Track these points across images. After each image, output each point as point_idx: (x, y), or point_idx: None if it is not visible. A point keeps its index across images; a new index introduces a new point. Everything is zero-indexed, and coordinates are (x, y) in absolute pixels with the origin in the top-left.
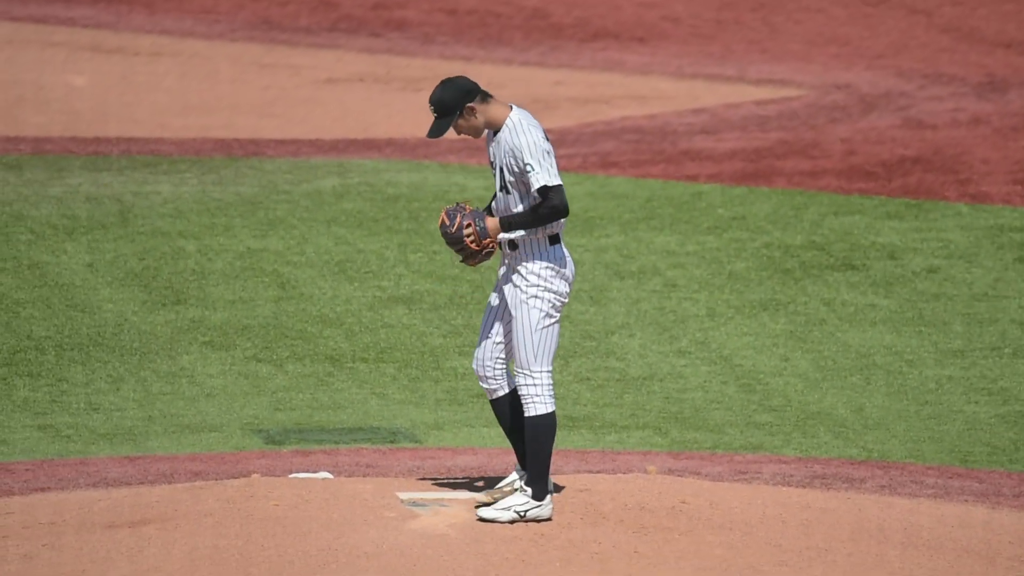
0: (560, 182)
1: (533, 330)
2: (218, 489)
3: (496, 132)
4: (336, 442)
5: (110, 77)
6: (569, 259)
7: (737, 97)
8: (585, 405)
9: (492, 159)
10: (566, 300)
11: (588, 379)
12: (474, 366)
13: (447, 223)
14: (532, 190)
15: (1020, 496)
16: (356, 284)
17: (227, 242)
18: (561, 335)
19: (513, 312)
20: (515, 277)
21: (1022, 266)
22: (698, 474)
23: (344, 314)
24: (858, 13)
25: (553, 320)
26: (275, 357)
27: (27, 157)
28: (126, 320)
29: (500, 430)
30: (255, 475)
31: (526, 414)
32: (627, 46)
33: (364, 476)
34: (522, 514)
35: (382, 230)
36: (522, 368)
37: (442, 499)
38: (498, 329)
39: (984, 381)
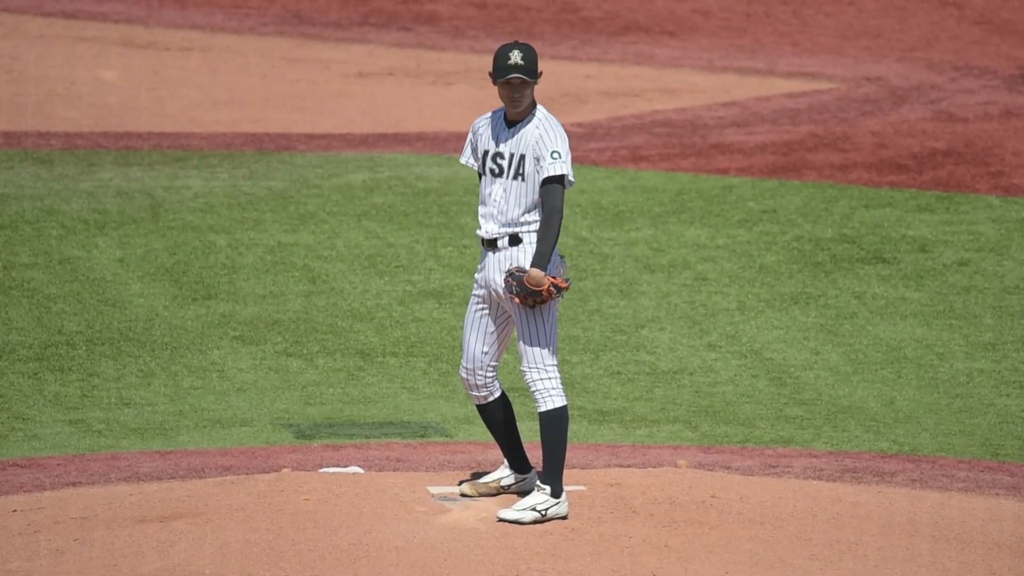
0: (572, 180)
1: (545, 324)
2: (248, 483)
3: (514, 122)
4: (367, 436)
5: (140, 72)
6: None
7: (767, 90)
8: (615, 399)
9: (498, 148)
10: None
11: (618, 373)
12: (463, 375)
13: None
14: (546, 174)
15: None
16: (386, 278)
17: (257, 236)
18: (591, 329)
19: (515, 312)
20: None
21: None
22: (728, 468)
23: (374, 308)
24: (889, 5)
25: (556, 313)
26: (305, 351)
27: (58, 152)
28: (157, 315)
29: (529, 424)
30: (285, 469)
31: (541, 408)
32: (657, 39)
33: (395, 470)
34: (543, 512)
35: (412, 224)
36: (534, 365)
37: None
38: (486, 336)
39: (1015, 374)
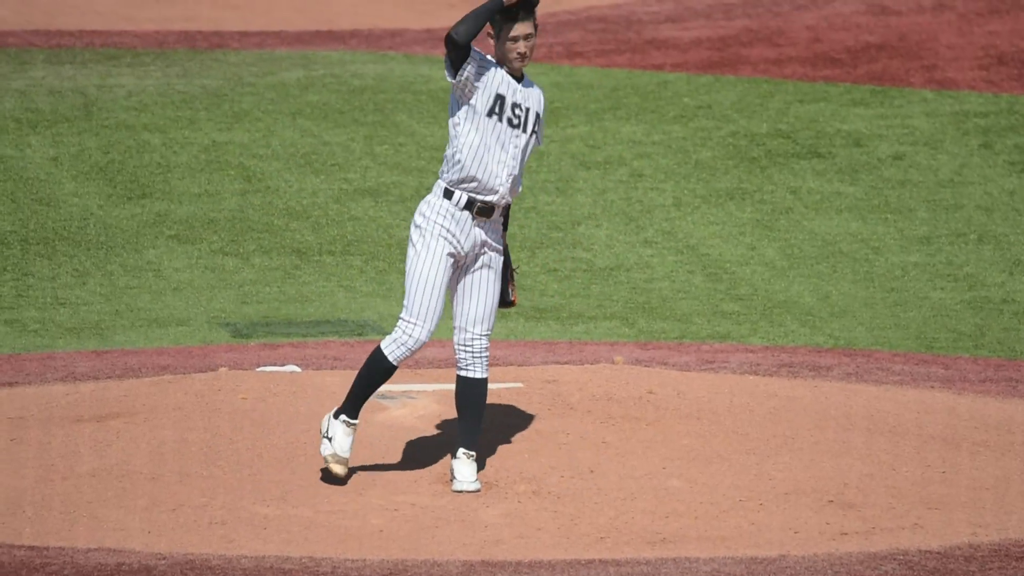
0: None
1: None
2: (185, 383)
3: (519, 78)
4: (303, 335)
5: None
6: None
7: None
8: (552, 296)
9: (515, 99)
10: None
11: (555, 270)
12: (425, 338)
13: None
14: (540, 144)
15: (984, 381)
16: (322, 177)
17: (192, 135)
18: (527, 226)
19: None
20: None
21: (986, 152)
22: (665, 364)
23: (310, 207)
24: None
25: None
26: (241, 250)
27: None
28: (91, 214)
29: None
30: (222, 368)
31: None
32: None
33: (332, 369)
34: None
35: (348, 122)
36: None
37: (410, 391)
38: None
39: (949, 267)
